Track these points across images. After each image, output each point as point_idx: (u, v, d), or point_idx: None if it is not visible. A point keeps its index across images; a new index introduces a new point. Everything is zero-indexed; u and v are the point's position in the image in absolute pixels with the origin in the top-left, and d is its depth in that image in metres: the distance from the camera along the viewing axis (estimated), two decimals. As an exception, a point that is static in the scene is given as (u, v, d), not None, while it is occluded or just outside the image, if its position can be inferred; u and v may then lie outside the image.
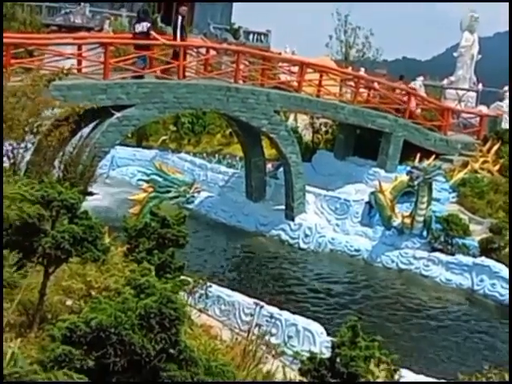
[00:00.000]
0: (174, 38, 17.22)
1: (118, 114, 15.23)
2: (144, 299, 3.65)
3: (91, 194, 8.91)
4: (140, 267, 4.27)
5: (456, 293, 15.57)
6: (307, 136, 23.88)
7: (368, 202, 18.20)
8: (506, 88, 24.62)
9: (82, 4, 33.25)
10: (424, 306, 14.65)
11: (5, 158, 10.92)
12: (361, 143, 21.44)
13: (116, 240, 9.66)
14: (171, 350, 3.61)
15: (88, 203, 7.47)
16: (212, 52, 18.68)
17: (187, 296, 10.06)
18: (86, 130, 15.11)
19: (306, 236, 18.17)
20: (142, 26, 16.29)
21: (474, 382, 11.03)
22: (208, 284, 10.76)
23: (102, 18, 32.35)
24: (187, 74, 17.09)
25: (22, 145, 11.29)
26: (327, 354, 6.39)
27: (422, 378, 10.08)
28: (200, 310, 10.80)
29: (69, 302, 6.77)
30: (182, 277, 8.67)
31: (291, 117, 24.43)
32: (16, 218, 5.48)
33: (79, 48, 15.84)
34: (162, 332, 3.56)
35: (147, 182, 15.13)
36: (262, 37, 35.63)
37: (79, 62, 15.60)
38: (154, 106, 16.01)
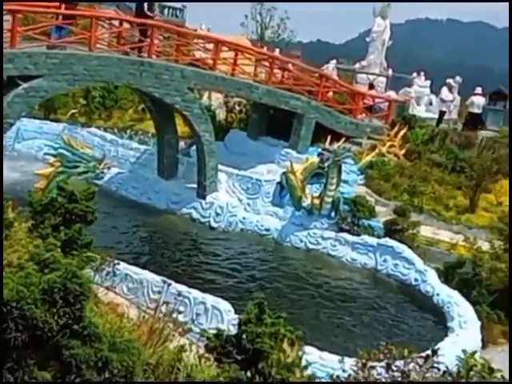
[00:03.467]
0: (139, 16, 17.45)
1: (24, 85, 14.67)
2: (48, 274, 3.57)
3: (-6, 166, 8.59)
4: (45, 242, 4.16)
5: (361, 272, 16.04)
6: (221, 115, 23.85)
7: (279, 183, 18.42)
8: (415, 74, 25.47)
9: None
10: (329, 285, 15.03)
11: None
12: (274, 124, 21.63)
13: (21, 215, 9.36)
14: (75, 326, 3.54)
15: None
16: (125, 25, 18.26)
17: (94, 273, 9.89)
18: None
19: (217, 215, 18.21)
20: None
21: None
22: (116, 261, 10.63)
23: (10, -17, 30.87)
24: (99, 46, 16.67)
25: None
26: (235, 331, 6.47)
27: (325, 354, 10.38)
28: (107, 288, 10.65)
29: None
30: (90, 253, 8.53)
31: (205, 95, 24.31)
32: None
33: (-16, 14, 15.09)
34: (66, 307, 3.49)
35: (54, 156, 14.72)
36: (178, 12, 35.07)
37: (-16, 29, 14.87)
38: (64, 78, 15.51)
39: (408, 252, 15.68)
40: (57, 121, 24.56)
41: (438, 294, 14.12)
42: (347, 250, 16.50)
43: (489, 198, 19.07)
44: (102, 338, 3.57)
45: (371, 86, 24.32)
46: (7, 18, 15.13)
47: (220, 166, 18.95)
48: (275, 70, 20.76)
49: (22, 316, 3.40)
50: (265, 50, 24.01)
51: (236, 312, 10.83)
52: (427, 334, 12.79)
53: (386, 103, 23.42)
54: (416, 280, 15.03)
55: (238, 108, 23.81)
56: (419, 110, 24.13)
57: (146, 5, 17.93)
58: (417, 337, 12.62)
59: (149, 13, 18.06)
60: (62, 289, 3.45)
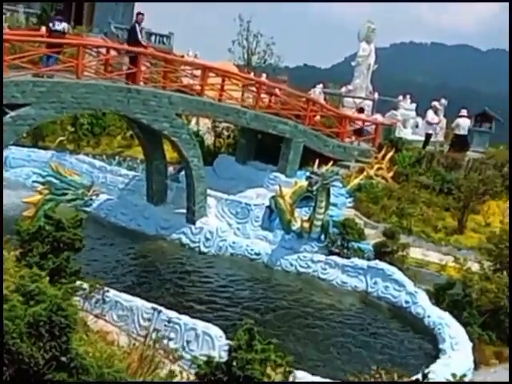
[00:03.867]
0: (132, 44, 17.90)
1: (12, 113, 14.66)
2: (33, 306, 3.54)
3: (-19, 195, 8.55)
4: (31, 273, 4.13)
5: (351, 295, 16.02)
6: (209, 140, 23.93)
7: (268, 207, 18.44)
8: (401, 97, 25.71)
9: (-24, -3, 31.78)
10: (320, 309, 14.98)
11: None
12: (262, 148, 21.72)
13: (9, 244, 9.31)
14: (62, 358, 3.51)
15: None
16: (112, 52, 18.35)
17: (83, 301, 9.83)
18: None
19: (207, 240, 18.18)
20: (64, 27, 16.72)
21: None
22: (105, 289, 10.58)
23: (-3, 12, 31.03)
24: (87, 74, 16.74)
25: None
26: (226, 357, 6.44)
27: (317, 379, 10.32)
28: (97, 316, 10.60)
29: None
30: (78, 281, 8.48)
31: (193, 120, 24.39)
32: None
33: (-29, 43, 15.13)
34: (52, 340, 3.45)
35: (43, 183, 14.65)
36: (165, 39, 35.38)
37: (-29, 58, 14.90)
38: (51, 106, 15.52)
39: (398, 274, 15.69)
40: (45, 148, 24.50)
41: (428, 316, 14.12)
42: (337, 272, 16.49)
43: (477, 219, 19.16)
44: (89, 369, 3.53)
45: (361, 110, 24.51)
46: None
47: (209, 191, 18.97)
48: (262, 95, 20.91)
49: (7, 350, 3.36)
50: (252, 75, 24.18)
51: (227, 338, 10.76)
52: (419, 357, 12.76)
53: (373, 126, 23.58)
54: (407, 302, 15.03)
55: (226, 133, 23.90)
56: (406, 133, 24.32)
57: (139, 33, 18.26)
58: (408, 359, 12.58)
59: (142, 41, 18.32)
60: (47, 322, 3.42)
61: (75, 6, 36.33)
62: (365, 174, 20.52)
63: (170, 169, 20.73)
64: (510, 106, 23.77)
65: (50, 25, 16.88)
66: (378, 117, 24.53)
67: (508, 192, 19.66)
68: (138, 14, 18.71)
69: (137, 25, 18.60)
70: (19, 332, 3.38)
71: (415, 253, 17.34)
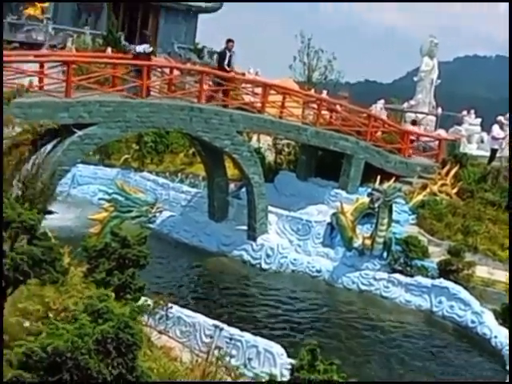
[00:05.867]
0: (221, 70, 18.43)
1: (79, 133, 15.12)
2: (101, 324, 3.63)
3: (51, 212, 8.84)
4: (98, 292, 4.25)
5: (415, 314, 15.74)
6: (270, 157, 24.00)
7: (330, 223, 18.34)
8: (465, 112, 25.24)
9: (45, 21, 33.03)
10: (384, 328, 14.76)
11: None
12: (323, 165, 21.63)
13: (76, 260, 9.56)
14: (128, 376, 3.59)
15: (48, 222, 7.40)
16: (176, 72, 18.73)
17: (147, 317, 9.98)
18: (47, 148, 14.95)
19: (268, 256, 18.20)
20: (144, 48, 17.29)
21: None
22: (169, 305, 10.71)
23: (65, 35, 32.17)
24: (151, 93, 17.13)
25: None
26: (288, 375, 6.42)
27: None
28: (160, 332, 10.73)
29: (26, 324, 6.67)
30: (143, 298, 8.63)
31: (254, 137, 24.55)
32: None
33: (41, 66, 15.72)
34: (119, 357, 3.54)
35: (109, 201, 15.02)
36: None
37: (41, 80, 15.48)
38: (117, 125, 15.94)
39: (464, 293, 15.34)
40: (111, 166, 25.13)
41: (495, 337, 13.72)
42: (401, 291, 16.24)
43: (546, 237, 18.53)
44: (154, 387, 3.60)
45: (414, 123, 24.16)
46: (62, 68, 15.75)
47: (270, 208, 19.01)
48: (323, 112, 20.87)
49: (76, 366, 3.46)
50: (312, 91, 24.21)
51: (288, 356, 10.72)
52: (485, 377, 12.41)
53: (436, 142, 23.21)
54: (473, 322, 14.66)
55: (286, 150, 23.92)
56: (470, 148, 23.81)
57: (227, 59, 18.59)
58: (476, 381, 12.24)
59: (227, 67, 18.66)
60: (114, 339, 3.51)
61: (139, 27, 37.27)
62: (428, 190, 20.17)
63: (232, 186, 20.89)
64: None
65: (132, 47, 17.55)
66: (442, 132, 24.12)
67: None
68: (228, 41, 18.95)
69: (227, 51, 18.83)
70: (88, 349, 3.49)
71: (481, 271, 16.89)
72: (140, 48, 17.42)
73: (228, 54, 18.77)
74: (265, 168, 20.74)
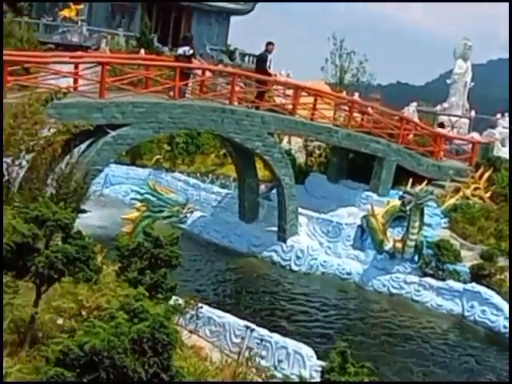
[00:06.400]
0: (261, 73, 18.49)
1: (112, 133, 15.30)
2: (137, 324, 3.68)
3: (84, 211, 8.93)
4: (134, 291, 4.30)
5: (447, 318, 15.59)
6: (301, 158, 23.97)
7: (360, 226, 18.25)
8: (499, 115, 24.89)
9: (80, 23, 33.50)
10: (415, 332, 14.64)
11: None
12: (354, 167, 21.54)
13: (108, 258, 9.66)
14: (163, 375, 3.63)
15: (81, 221, 7.49)
16: (208, 73, 18.83)
17: (178, 316, 10.05)
18: (81, 148, 15.16)
19: (298, 258, 18.19)
20: (184, 50, 17.38)
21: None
22: (199, 305, 10.77)
23: (99, 37, 32.58)
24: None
25: (17, 162, 11.31)
26: (317, 377, 6.42)
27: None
28: (190, 331, 10.79)
29: (60, 321, 6.77)
30: (174, 297, 8.69)
31: (285, 139, 24.55)
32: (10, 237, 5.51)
33: (76, 67, 15.95)
34: (155, 356, 3.59)
35: (140, 201, 15.14)
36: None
37: (75, 81, 15.69)
38: (149, 126, 16.09)
39: (496, 298, 15.15)
40: (143, 166, 25.37)
41: (529, 343, 13.53)
42: (432, 295, 16.10)
43: None
44: (188, 386, 3.64)
45: (441, 125, 23.88)
46: (96, 69, 15.96)
47: (300, 210, 18.99)
48: (355, 114, 20.79)
49: (112, 365, 3.52)
50: (344, 93, 24.12)
51: (318, 357, 10.70)
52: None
53: (470, 145, 22.95)
54: (505, 327, 14.47)
55: (317, 152, 23.86)
56: (504, 152, 23.47)
57: (268, 62, 18.63)
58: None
59: (269, 70, 18.74)
60: (150, 338, 3.56)
61: (172, 29, 37.57)
62: (461, 193, 19.95)
63: (262, 187, 20.92)
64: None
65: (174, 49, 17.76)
66: (475, 135, 23.82)
67: None
68: (269, 43, 18.99)
69: (267, 53, 18.86)
70: (124, 348, 3.54)
71: (514, 276, 16.66)
72: (180, 50, 17.57)
73: (269, 57, 18.80)
74: (295, 170, 20.73)
